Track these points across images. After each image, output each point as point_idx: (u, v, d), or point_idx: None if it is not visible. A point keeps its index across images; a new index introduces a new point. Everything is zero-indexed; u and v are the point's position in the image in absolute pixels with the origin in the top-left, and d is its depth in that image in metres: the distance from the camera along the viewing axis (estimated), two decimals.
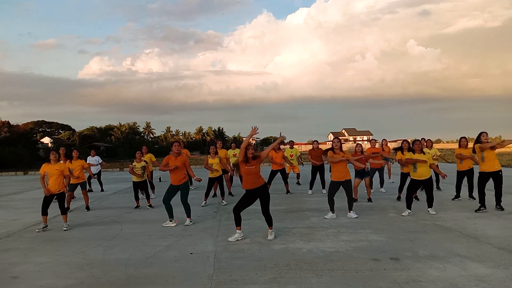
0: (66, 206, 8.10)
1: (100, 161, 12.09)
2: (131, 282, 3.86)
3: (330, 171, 7.18)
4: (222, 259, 4.52)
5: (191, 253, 4.78)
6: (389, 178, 11.89)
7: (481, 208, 6.82)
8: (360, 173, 8.32)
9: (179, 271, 4.13)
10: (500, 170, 6.84)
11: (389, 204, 7.99)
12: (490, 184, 6.89)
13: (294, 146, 11.28)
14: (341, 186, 6.64)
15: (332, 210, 6.73)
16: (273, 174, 9.95)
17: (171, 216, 6.46)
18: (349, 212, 6.78)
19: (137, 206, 8.47)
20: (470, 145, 7.90)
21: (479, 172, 6.97)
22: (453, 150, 8.67)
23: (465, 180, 8.28)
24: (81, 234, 6.04)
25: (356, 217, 6.58)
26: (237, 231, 5.38)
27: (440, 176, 9.78)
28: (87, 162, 11.02)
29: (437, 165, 7.28)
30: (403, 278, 3.74)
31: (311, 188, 10.00)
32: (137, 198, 8.58)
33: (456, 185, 8.34)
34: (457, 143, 8.60)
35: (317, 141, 10.46)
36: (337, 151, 6.65)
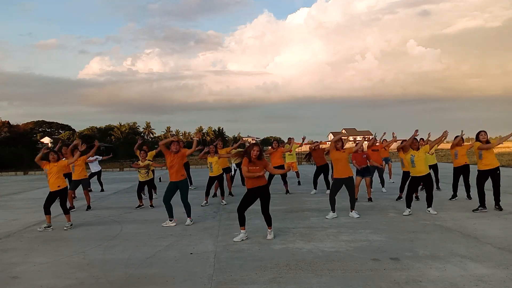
0: (70, 205, 8.15)
1: (100, 158, 12.03)
2: (131, 282, 3.86)
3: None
4: (222, 259, 4.52)
5: (191, 253, 4.78)
6: (390, 178, 11.90)
7: (480, 208, 6.83)
8: (361, 172, 8.32)
9: (179, 271, 4.13)
10: (498, 168, 6.85)
11: (389, 204, 8.00)
12: (489, 183, 6.89)
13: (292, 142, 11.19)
14: (343, 185, 6.66)
15: (333, 209, 6.74)
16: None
17: (171, 215, 6.47)
18: (351, 211, 6.78)
19: (139, 206, 8.49)
20: (466, 144, 7.95)
21: (478, 170, 6.99)
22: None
23: (461, 180, 8.29)
24: (81, 234, 6.04)
25: (358, 217, 6.58)
26: (241, 231, 5.38)
27: (439, 175, 9.81)
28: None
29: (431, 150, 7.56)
30: (403, 278, 3.74)
31: (315, 187, 9.93)
32: (140, 197, 8.60)
33: (453, 184, 8.35)
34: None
35: (317, 142, 10.41)
36: (339, 150, 6.69)
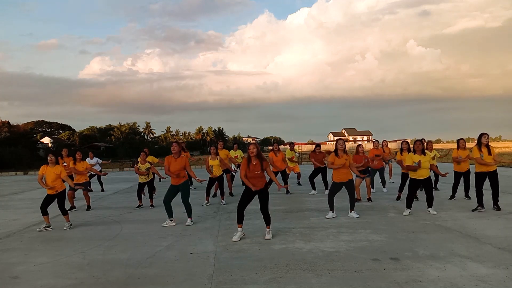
0: (70, 205, 8.18)
1: (100, 161, 12.09)
2: (131, 282, 3.86)
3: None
4: (222, 259, 4.52)
5: (191, 253, 4.78)
6: (390, 178, 11.90)
7: (478, 208, 6.86)
8: (362, 172, 8.32)
9: (179, 271, 4.13)
10: (495, 170, 6.89)
11: (389, 204, 7.99)
12: (488, 184, 6.89)
13: (294, 147, 11.28)
14: (343, 187, 6.66)
15: (331, 209, 6.74)
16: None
17: (170, 216, 6.47)
18: (350, 211, 6.78)
19: (139, 206, 8.53)
20: (468, 145, 7.93)
21: (475, 172, 7.03)
22: (453, 150, 8.62)
23: (461, 180, 8.29)
24: (81, 234, 6.04)
25: (358, 217, 6.58)
26: (238, 229, 5.40)
27: (439, 176, 9.84)
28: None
29: (436, 166, 7.29)
30: (403, 278, 3.74)
31: (314, 188, 9.94)
32: (140, 198, 8.64)
33: (453, 184, 8.36)
34: (456, 144, 8.53)
35: (319, 145, 10.45)
36: (340, 154, 6.63)
